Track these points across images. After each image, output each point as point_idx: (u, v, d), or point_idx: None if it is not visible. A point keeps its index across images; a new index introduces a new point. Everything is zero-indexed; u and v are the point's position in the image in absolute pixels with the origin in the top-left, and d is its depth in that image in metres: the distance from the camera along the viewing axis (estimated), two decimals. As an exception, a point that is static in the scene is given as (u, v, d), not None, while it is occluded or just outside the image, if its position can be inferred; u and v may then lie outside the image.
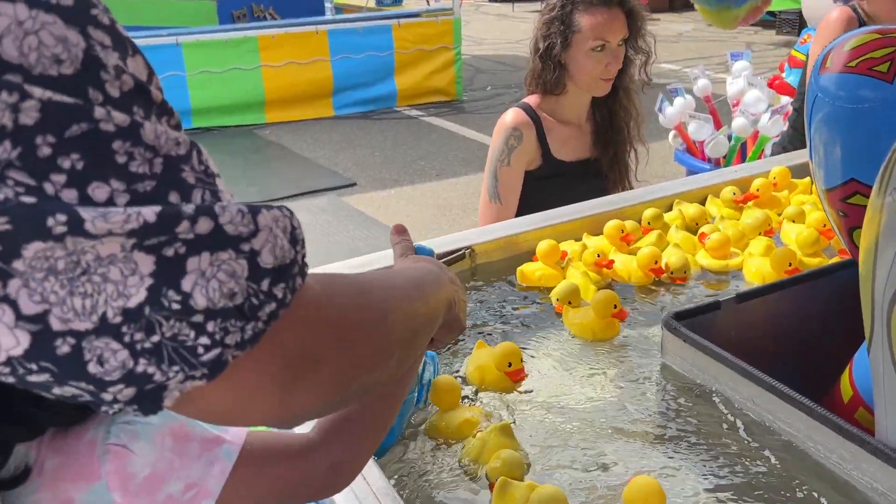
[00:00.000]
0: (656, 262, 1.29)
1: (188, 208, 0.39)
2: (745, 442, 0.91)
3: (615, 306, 1.15)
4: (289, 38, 6.20)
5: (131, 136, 0.38)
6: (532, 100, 1.91)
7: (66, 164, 0.36)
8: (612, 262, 1.32)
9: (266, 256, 0.41)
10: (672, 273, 1.30)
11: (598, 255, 1.32)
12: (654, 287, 1.31)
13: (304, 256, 0.44)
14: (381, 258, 1.28)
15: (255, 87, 6.14)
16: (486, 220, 1.86)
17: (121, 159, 0.38)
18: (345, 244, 3.76)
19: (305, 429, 0.69)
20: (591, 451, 0.91)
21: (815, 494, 0.83)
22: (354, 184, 4.82)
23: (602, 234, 1.43)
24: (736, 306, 1.12)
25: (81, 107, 0.37)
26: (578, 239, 1.44)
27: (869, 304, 0.69)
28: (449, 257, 1.34)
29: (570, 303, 1.21)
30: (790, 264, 1.26)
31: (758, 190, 1.56)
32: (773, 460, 0.88)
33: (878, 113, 0.88)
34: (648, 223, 1.46)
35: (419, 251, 0.84)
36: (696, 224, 1.49)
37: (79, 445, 0.53)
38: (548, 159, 1.89)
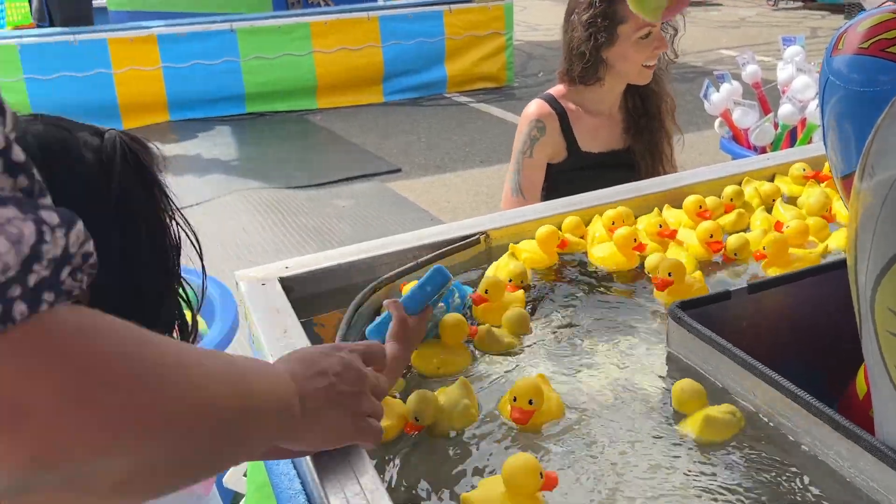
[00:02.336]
0: (712, 237, 1.26)
1: None
2: (743, 433, 0.89)
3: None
4: (340, 24, 6.25)
5: None
6: (556, 90, 1.88)
7: None
8: (675, 232, 1.32)
9: None
10: (724, 251, 1.27)
11: (661, 226, 1.31)
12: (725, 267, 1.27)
13: (38, 280, 0.36)
14: (413, 238, 1.32)
15: (307, 73, 6.22)
16: None
17: None
18: (381, 229, 3.78)
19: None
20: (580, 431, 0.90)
21: (813, 490, 0.80)
22: (399, 169, 4.84)
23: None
24: (748, 297, 1.08)
25: None
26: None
27: (856, 296, 0.66)
28: (463, 241, 1.35)
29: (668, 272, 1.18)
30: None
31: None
32: (769, 454, 0.85)
33: (891, 96, 0.83)
34: (731, 199, 1.43)
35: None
36: (772, 200, 1.45)
37: None
38: (573, 152, 1.86)
